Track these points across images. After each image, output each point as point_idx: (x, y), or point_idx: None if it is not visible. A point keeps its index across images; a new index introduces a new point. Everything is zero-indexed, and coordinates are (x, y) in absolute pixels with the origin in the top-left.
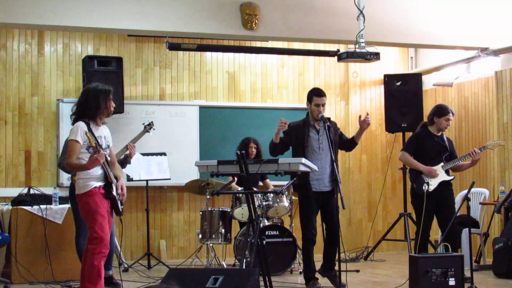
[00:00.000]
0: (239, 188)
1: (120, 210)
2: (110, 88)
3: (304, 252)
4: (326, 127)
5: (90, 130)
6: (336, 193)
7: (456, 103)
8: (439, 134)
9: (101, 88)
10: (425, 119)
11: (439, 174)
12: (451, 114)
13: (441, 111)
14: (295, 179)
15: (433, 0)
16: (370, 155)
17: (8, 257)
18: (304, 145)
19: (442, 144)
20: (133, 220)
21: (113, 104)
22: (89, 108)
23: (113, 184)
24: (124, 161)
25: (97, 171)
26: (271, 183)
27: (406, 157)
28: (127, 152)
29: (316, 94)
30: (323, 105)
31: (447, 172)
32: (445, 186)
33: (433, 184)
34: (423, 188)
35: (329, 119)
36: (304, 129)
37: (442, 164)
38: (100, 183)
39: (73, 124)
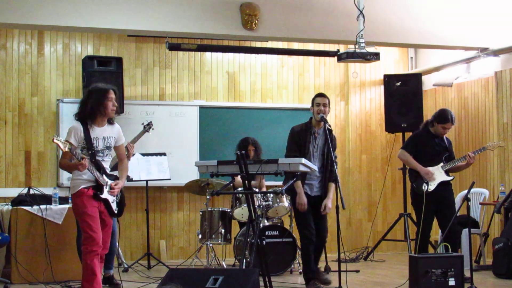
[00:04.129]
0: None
1: (114, 211)
2: (108, 87)
3: (303, 252)
4: (327, 129)
5: (86, 131)
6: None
7: (456, 103)
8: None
9: (98, 88)
10: (425, 120)
11: (439, 175)
12: (450, 124)
13: (440, 118)
14: (295, 179)
15: (433, 0)
16: (370, 155)
17: (8, 257)
18: (305, 152)
19: (442, 145)
20: (133, 220)
21: (113, 104)
22: (87, 108)
23: (104, 187)
24: None
25: (89, 173)
26: (272, 183)
27: (405, 155)
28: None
29: (317, 95)
30: (324, 105)
31: (446, 172)
32: (444, 186)
33: (432, 184)
34: (423, 188)
35: (330, 128)
36: (306, 135)
37: (442, 164)
38: (89, 184)
39: None
